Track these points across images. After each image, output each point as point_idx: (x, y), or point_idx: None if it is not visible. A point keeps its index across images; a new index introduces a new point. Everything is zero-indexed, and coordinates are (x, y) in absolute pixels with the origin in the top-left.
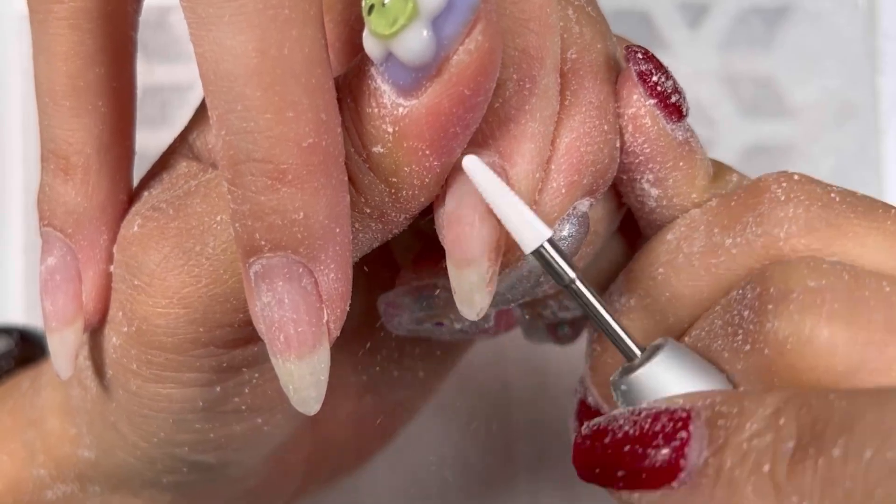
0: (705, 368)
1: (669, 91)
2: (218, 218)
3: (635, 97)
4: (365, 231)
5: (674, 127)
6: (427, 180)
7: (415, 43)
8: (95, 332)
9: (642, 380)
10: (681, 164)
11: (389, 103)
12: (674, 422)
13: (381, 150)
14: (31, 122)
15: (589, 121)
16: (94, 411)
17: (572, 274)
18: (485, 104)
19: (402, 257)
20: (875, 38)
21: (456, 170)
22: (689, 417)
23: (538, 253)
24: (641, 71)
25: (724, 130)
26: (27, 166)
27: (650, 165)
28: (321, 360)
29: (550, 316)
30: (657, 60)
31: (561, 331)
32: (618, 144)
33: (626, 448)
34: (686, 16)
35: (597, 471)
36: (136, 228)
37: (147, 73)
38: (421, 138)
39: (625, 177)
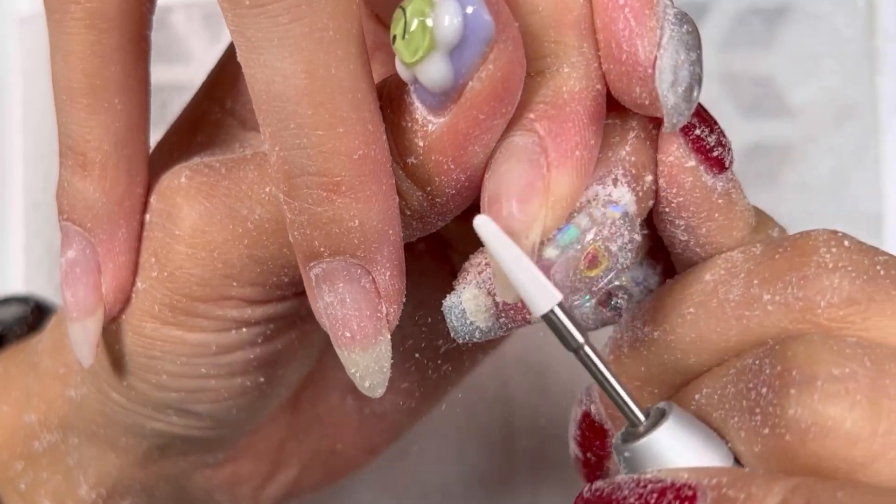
0: (709, 438)
1: (712, 144)
2: (267, 189)
3: (675, 146)
4: (406, 229)
5: (714, 179)
6: (457, 189)
7: (434, 72)
8: None
9: (646, 448)
10: (716, 215)
11: (421, 119)
12: (679, 499)
13: (415, 161)
14: (31, 122)
15: None
16: None
17: (580, 339)
18: (503, 123)
19: None
20: (874, 39)
21: (493, 156)
22: (694, 496)
23: (547, 317)
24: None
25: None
26: (27, 166)
27: (682, 213)
28: (384, 348)
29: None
30: (704, 112)
31: (614, 302)
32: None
33: None
34: None
35: None
36: (183, 179)
37: None
38: (444, 153)
39: (656, 218)
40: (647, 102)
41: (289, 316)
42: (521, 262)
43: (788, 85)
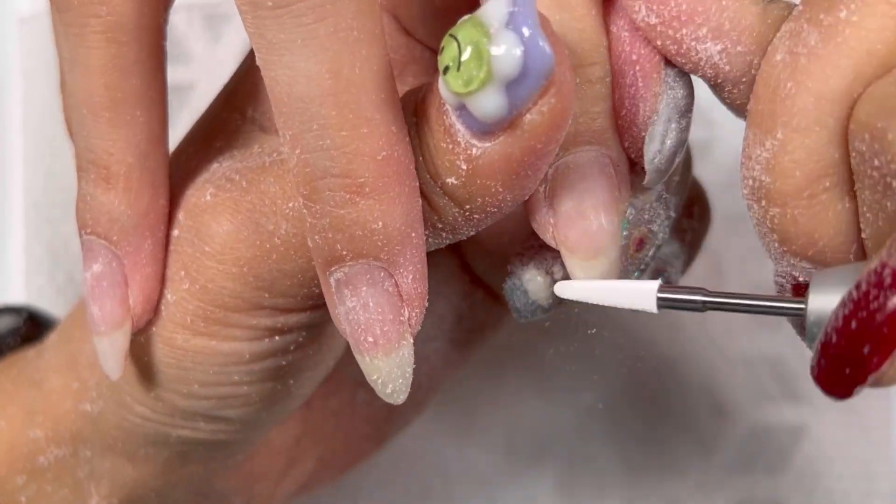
0: (853, 266)
1: None
2: (290, 204)
3: None
4: (435, 238)
5: None
6: (499, 207)
7: (488, 105)
8: None
9: (822, 310)
10: (723, 2)
11: (463, 142)
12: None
13: (455, 182)
14: (32, 122)
15: None
16: None
17: (701, 297)
18: (557, 147)
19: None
20: None
21: (563, 174)
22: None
23: (661, 303)
24: None
25: (724, 130)
26: (27, 166)
27: (695, 19)
28: (407, 353)
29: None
30: None
31: (662, 278)
32: None
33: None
34: None
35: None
36: (208, 197)
37: None
38: (493, 178)
39: (684, 45)
40: (631, 154)
41: (321, 323)
42: (610, 288)
43: None
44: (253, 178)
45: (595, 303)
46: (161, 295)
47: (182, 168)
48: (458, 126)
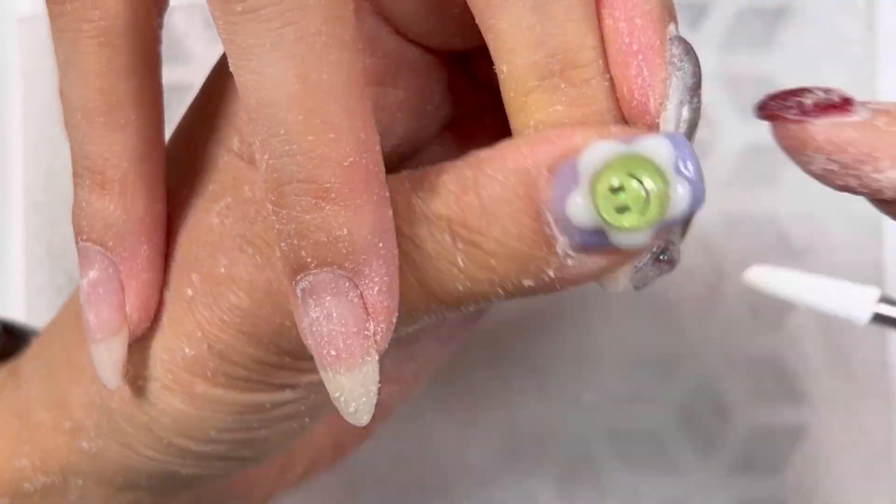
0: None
1: None
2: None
3: None
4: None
5: None
6: None
7: (636, 240)
8: (145, 339)
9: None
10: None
11: (562, 252)
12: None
13: (546, 280)
14: (31, 122)
15: None
16: (119, 410)
17: None
18: None
19: None
20: (875, 39)
21: None
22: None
23: (878, 318)
24: None
25: (724, 131)
26: (27, 166)
27: (875, 155)
28: (371, 371)
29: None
30: None
31: (666, 256)
32: None
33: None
34: (686, 16)
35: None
36: (222, 270)
37: None
38: (583, 280)
39: (865, 179)
40: None
41: None
42: (817, 285)
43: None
44: (267, 254)
45: (789, 298)
46: (161, 306)
47: (184, 210)
48: (560, 237)
